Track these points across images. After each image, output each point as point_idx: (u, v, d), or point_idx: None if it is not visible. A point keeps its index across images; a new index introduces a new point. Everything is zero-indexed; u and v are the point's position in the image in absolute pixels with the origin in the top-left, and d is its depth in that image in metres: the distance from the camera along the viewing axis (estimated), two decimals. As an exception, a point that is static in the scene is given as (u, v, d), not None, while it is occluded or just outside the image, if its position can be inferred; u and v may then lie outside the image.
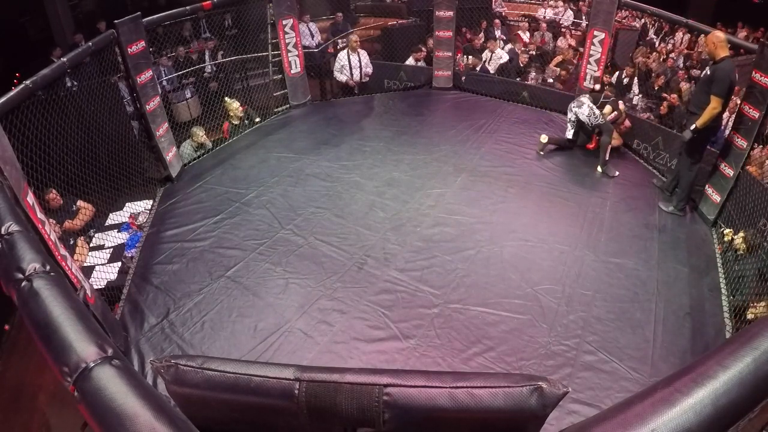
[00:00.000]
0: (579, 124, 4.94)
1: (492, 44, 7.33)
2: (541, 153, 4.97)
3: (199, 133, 5.03)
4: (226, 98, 5.39)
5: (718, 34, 3.82)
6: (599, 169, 4.71)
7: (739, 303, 3.23)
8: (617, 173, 4.68)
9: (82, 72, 3.75)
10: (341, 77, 6.32)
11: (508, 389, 0.91)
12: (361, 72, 6.28)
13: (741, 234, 3.58)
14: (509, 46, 7.45)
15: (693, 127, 3.87)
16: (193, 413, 1.02)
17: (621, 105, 5.16)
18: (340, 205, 4.12)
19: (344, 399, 0.93)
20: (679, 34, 8.74)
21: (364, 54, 6.33)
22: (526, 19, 8.77)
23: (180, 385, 1.02)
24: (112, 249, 3.80)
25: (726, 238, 3.80)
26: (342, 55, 6.26)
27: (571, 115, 4.96)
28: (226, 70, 6.53)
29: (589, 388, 2.62)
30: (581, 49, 7.52)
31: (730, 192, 3.87)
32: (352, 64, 6.23)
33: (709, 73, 3.80)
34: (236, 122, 5.44)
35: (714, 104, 3.72)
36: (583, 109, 4.86)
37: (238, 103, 5.43)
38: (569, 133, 5.00)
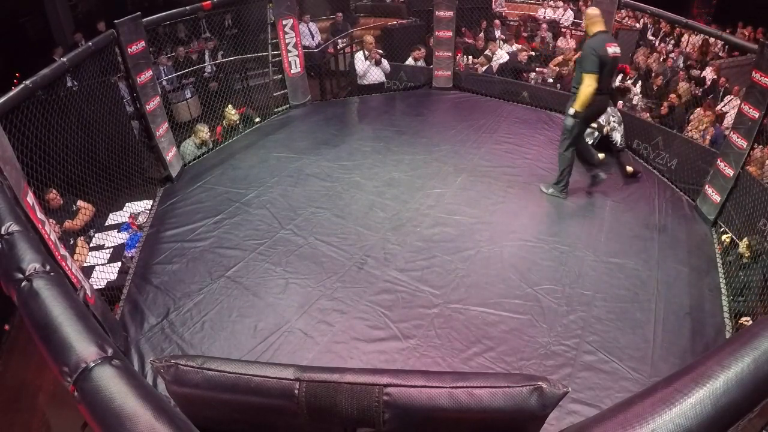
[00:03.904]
0: (603, 138, 4.80)
1: (493, 45, 7.34)
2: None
3: (204, 130, 5.02)
4: (230, 106, 5.38)
5: (590, 11, 3.80)
6: (629, 168, 4.64)
7: (743, 310, 3.21)
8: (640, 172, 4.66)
9: (82, 72, 3.75)
10: (366, 80, 6.22)
11: (508, 389, 0.91)
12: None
13: (745, 241, 3.56)
14: (508, 47, 7.47)
15: (573, 111, 3.77)
16: (193, 413, 1.02)
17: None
18: (340, 205, 4.12)
19: (344, 399, 0.93)
20: (685, 36, 8.74)
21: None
22: (527, 23, 8.84)
23: (180, 385, 1.02)
24: (112, 249, 3.81)
25: (725, 242, 3.80)
26: (359, 57, 6.18)
27: (603, 125, 4.77)
28: (226, 70, 6.54)
29: (589, 388, 2.61)
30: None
31: (730, 192, 3.87)
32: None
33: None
34: (226, 125, 5.42)
35: (587, 81, 3.60)
36: (622, 127, 4.77)
37: (237, 117, 5.41)
38: (590, 141, 4.79)
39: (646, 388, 0.83)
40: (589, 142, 4.83)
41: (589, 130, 4.85)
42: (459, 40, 6.92)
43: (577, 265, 3.48)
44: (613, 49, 3.67)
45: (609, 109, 4.84)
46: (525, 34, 8.67)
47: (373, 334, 2.93)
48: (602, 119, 4.80)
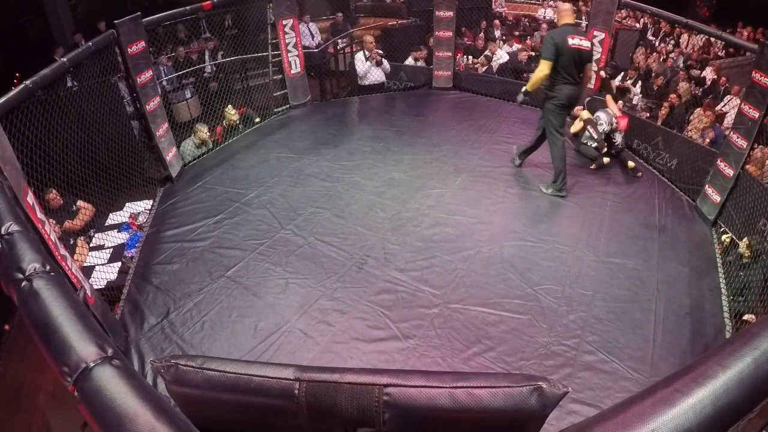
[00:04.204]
0: (605, 139, 4.85)
1: (493, 46, 7.34)
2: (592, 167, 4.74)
3: (203, 129, 5.02)
4: (230, 106, 5.38)
5: (561, 5, 4.10)
6: (631, 163, 4.70)
7: (745, 310, 3.21)
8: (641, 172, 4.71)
9: (82, 72, 3.75)
10: (366, 81, 6.23)
11: (508, 389, 0.91)
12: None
13: (745, 241, 3.56)
14: (508, 47, 7.47)
15: (523, 89, 4.13)
16: (193, 413, 1.02)
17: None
18: (340, 205, 4.12)
19: (344, 399, 0.93)
20: (684, 36, 8.74)
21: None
22: (521, 23, 8.87)
23: (180, 385, 1.02)
24: (112, 249, 3.81)
25: (725, 242, 3.80)
26: (360, 58, 6.18)
27: (607, 128, 4.79)
28: (226, 70, 6.54)
29: (589, 388, 2.61)
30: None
31: (730, 192, 3.87)
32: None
33: None
34: (226, 125, 5.43)
35: (540, 66, 3.91)
36: (618, 132, 4.83)
37: (237, 117, 5.42)
38: (595, 144, 4.84)
39: (646, 388, 0.83)
40: (593, 146, 4.83)
41: (587, 134, 4.86)
42: (458, 40, 6.91)
43: (577, 265, 3.48)
44: (574, 41, 3.84)
45: (610, 110, 4.85)
46: (516, 33, 8.67)
47: (373, 334, 2.93)
48: (604, 120, 4.79)
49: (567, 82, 3.93)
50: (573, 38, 3.83)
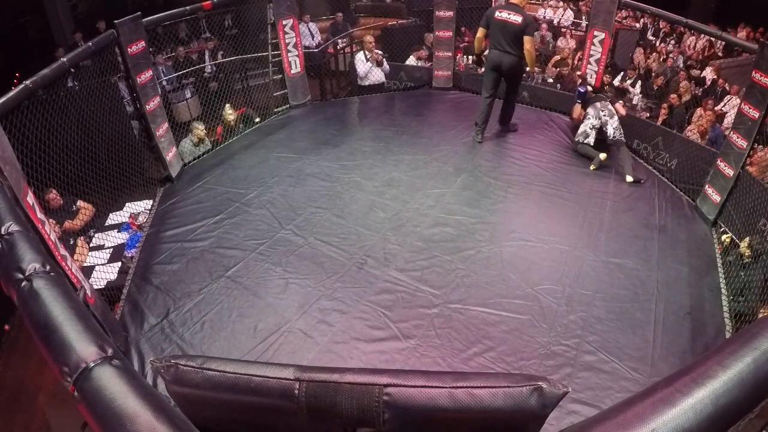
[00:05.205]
0: (599, 133, 4.80)
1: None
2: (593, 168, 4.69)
3: (200, 127, 5.01)
4: (228, 106, 5.38)
5: None
6: (629, 178, 4.51)
7: (745, 310, 3.21)
8: (643, 179, 4.57)
9: (82, 72, 3.75)
10: (367, 81, 6.24)
11: (508, 389, 0.91)
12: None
13: (746, 240, 3.56)
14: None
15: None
16: (193, 413, 1.02)
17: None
18: (340, 205, 4.12)
19: (344, 399, 0.93)
20: (692, 39, 8.72)
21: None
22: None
23: (180, 385, 1.02)
24: (112, 249, 3.81)
25: (725, 242, 3.80)
26: (360, 58, 6.19)
27: (596, 122, 4.78)
28: (226, 70, 6.54)
29: (589, 388, 2.62)
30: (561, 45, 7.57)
31: (730, 192, 3.87)
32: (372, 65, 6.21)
33: None
34: (225, 126, 5.43)
35: (477, 34, 4.91)
36: (614, 120, 4.79)
37: (233, 118, 5.41)
38: (591, 141, 4.81)
39: (646, 388, 0.83)
40: (589, 142, 4.82)
41: (583, 132, 4.86)
42: (458, 41, 6.91)
43: (577, 265, 3.48)
44: (501, 14, 4.62)
45: (598, 104, 4.86)
46: None
47: (373, 334, 2.93)
48: (592, 115, 4.82)
49: (494, 47, 4.76)
50: (501, 12, 4.61)
